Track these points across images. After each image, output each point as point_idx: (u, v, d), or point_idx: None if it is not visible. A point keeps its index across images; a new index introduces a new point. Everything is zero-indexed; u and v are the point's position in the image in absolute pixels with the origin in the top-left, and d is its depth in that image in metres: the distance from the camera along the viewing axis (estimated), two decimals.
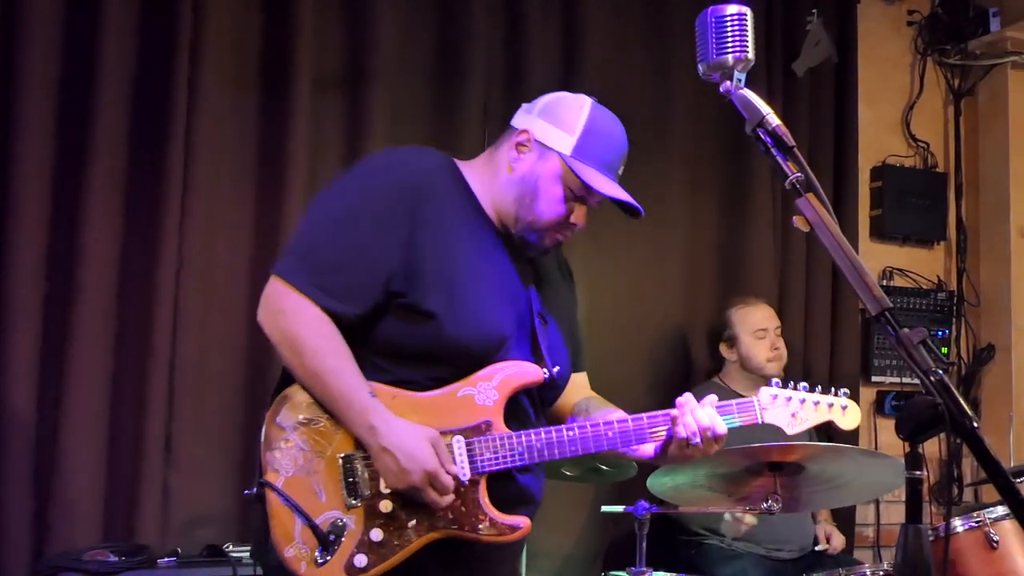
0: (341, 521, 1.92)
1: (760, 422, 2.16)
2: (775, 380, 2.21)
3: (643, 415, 2.10)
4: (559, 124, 2.07)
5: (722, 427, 2.09)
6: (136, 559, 3.00)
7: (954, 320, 4.87)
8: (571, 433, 2.03)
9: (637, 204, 2.07)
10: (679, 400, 2.12)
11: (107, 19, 3.29)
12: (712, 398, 2.15)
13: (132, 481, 3.27)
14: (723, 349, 4.01)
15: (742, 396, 3.91)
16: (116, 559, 2.95)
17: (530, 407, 2.09)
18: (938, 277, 4.89)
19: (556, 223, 2.08)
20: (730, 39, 1.63)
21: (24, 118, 3.19)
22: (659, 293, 4.23)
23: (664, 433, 2.09)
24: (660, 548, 3.91)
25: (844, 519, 4.28)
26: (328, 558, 1.90)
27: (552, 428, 2.04)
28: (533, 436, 2.01)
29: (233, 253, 3.53)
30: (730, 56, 1.63)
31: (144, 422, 3.28)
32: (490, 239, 2.10)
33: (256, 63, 3.60)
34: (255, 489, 1.93)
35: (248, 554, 3.14)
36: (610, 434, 2.06)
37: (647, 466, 3.36)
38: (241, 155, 3.57)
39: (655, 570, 2.96)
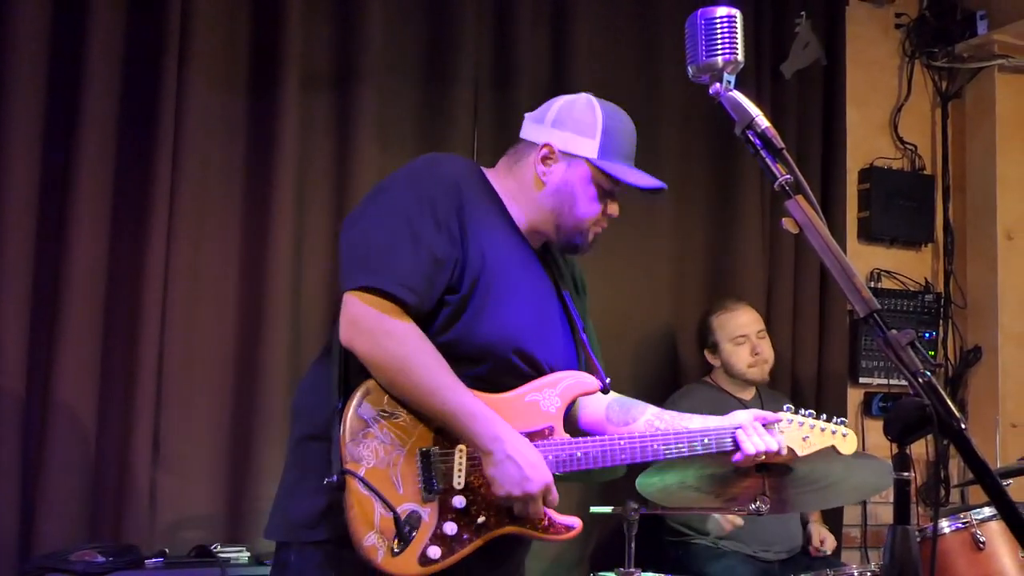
0: (417, 513, 1.98)
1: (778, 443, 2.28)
2: (788, 405, 2.35)
3: (685, 432, 2.19)
4: (579, 131, 2.17)
5: (786, 449, 2.22)
6: (124, 559, 2.99)
7: (941, 322, 4.89)
8: (623, 443, 2.13)
9: (663, 184, 2.21)
10: (742, 420, 2.21)
11: (94, 19, 3.28)
12: (776, 415, 2.27)
13: (120, 481, 3.26)
14: (707, 355, 4.03)
15: (734, 396, 3.96)
16: (104, 559, 2.94)
17: None
18: (925, 279, 4.91)
19: (596, 220, 2.19)
20: (720, 41, 1.64)
21: (11, 119, 3.17)
22: (647, 295, 4.23)
23: (701, 448, 2.19)
24: (647, 548, 3.92)
25: (832, 520, 4.29)
26: (404, 548, 1.95)
27: (607, 437, 2.14)
28: (590, 443, 2.12)
29: (221, 253, 3.52)
30: (720, 58, 1.64)
31: (132, 422, 3.27)
32: (522, 248, 2.19)
33: (244, 63, 3.59)
34: (336, 478, 1.94)
35: (239, 554, 3.14)
36: (655, 446, 2.15)
37: (636, 466, 3.37)
38: (229, 155, 3.56)
39: (643, 570, 2.96)
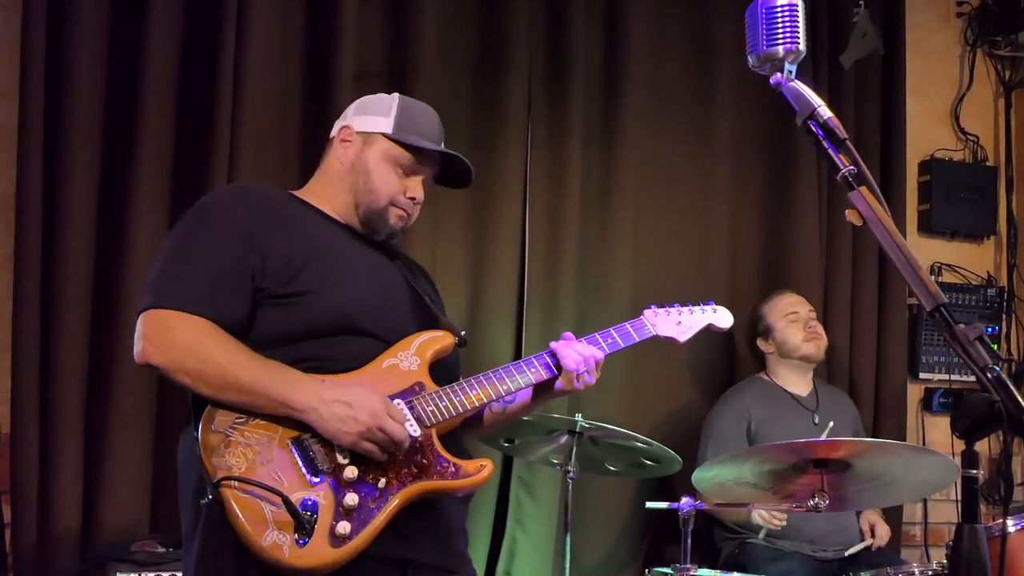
0: (310, 500, 1.90)
1: (654, 335, 2.40)
2: (653, 304, 2.45)
3: (512, 364, 2.21)
4: (375, 112, 2.26)
5: (600, 353, 2.24)
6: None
7: (1004, 316, 4.79)
8: (494, 375, 2.15)
9: (464, 159, 2.25)
10: (554, 344, 2.23)
11: (152, 19, 3.31)
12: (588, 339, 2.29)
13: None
14: (760, 344, 3.98)
15: (787, 391, 3.91)
16: (164, 550, 2.98)
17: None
18: (987, 272, 4.81)
19: (393, 198, 2.20)
20: (781, 30, 1.61)
21: (73, 115, 3.22)
22: (703, 288, 4.18)
23: (543, 372, 2.21)
24: (703, 545, 3.89)
25: (891, 518, 4.22)
26: (309, 538, 1.87)
27: (474, 377, 2.14)
28: (465, 384, 2.12)
29: None
30: (781, 47, 1.62)
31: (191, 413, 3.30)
32: (351, 236, 2.21)
33: (300, 59, 3.61)
34: (210, 496, 1.85)
35: None
36: (491, 376, 2.15)
37: (691, 461, 3.34)
38: (285, 151, 3.58)
39: (699, 567, 2.93)
